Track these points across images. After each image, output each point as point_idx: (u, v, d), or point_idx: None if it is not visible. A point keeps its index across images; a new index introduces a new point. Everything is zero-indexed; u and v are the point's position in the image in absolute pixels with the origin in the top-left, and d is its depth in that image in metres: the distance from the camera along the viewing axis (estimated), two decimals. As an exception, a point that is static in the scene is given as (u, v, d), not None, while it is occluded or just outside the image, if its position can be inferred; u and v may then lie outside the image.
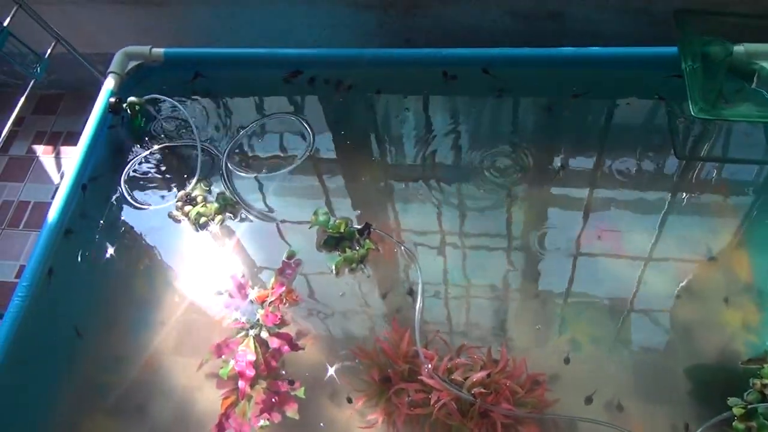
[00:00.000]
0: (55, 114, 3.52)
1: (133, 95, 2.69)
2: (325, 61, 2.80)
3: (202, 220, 2.50)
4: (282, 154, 2.68)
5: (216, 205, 2.52)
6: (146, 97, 2.71)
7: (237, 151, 2.71)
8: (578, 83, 2.68)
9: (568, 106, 2.69)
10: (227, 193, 2.56)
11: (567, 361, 2.10)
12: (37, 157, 3.42)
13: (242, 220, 2.52)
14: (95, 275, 2.45)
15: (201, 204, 2.52)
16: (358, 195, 2.55)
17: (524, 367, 2.06)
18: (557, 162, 2.55)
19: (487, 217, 2.43)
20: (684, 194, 2.45)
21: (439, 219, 2.45)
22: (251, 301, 2.31)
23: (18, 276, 3.04)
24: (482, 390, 1.98)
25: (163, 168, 2.69)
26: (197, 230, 2.51)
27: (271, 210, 2.54)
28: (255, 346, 2.19)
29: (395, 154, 2.66)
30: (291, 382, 2.13)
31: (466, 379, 2.01)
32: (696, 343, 2.11)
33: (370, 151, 2.67)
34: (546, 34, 2.80)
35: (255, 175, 2.62)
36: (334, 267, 2.34)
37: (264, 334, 2.23)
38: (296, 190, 2.59)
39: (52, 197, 2.49)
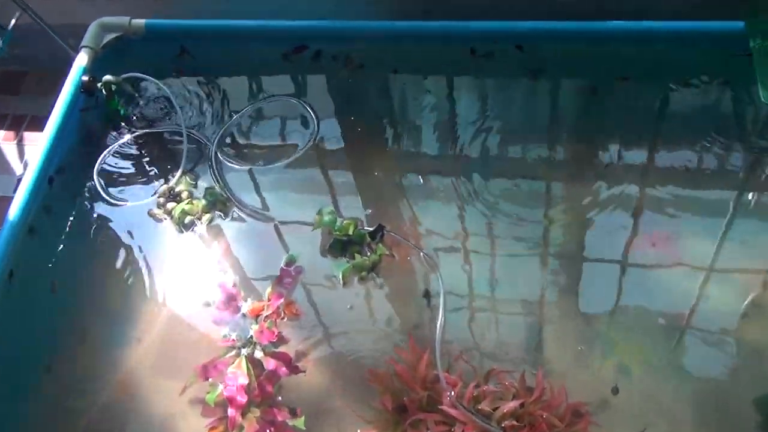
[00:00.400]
0: (17, 94, 3.50)
1: (109, 73, 2.67)
2: (333, 35, 2.78)
3: (188, 219, 2.48)
4: (281, 143, 2.67)
5: (203, 201, 2.51)
6: (124, 75, 2.69)
7: (229, 139, 2.70)
8: (627, 63, 2.67)
9: (616, 90, 2.67)
10: (217, 188, 2.55)
11: (614, 390, 2.07)
12: (-2, 144, 3.45)
13: (234, 219, 2.51)
14: (62, 281, 2.42)
15: (186, 200, 2.51)
16: (370, 191, 2.54)
17: (564, 396, 2.03)
18: (603, 155, 2.53)
19: (520, 219, 2.41)
20: (752, 193, 2.41)
21: (463, 220, 2.43)
22: (244, 315, 2.29)
23: (-26, 282, 3.05)
24: (514, 423, 1.95)
25: (143, 158, 2.69)
26: (181, 231, 2.50)
27: (267, 208, 2.53)
28: (247, 368, 2.16)
29: (413, 144, 2.64)
30: (292, 412, 2.10)
31: (495, 409, 1.98)
32: (766, 369, 2.08)
33: (384, 140, 2.66)
34: (581, 9, 2.76)
35: (249, 167, 2.61)
36: (341, 276, 2.32)
37: (258, 354, 2.21)
38: (297, 186, 2.58)
39: (14, 191, 2.47)
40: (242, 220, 2.50)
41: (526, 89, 2.71)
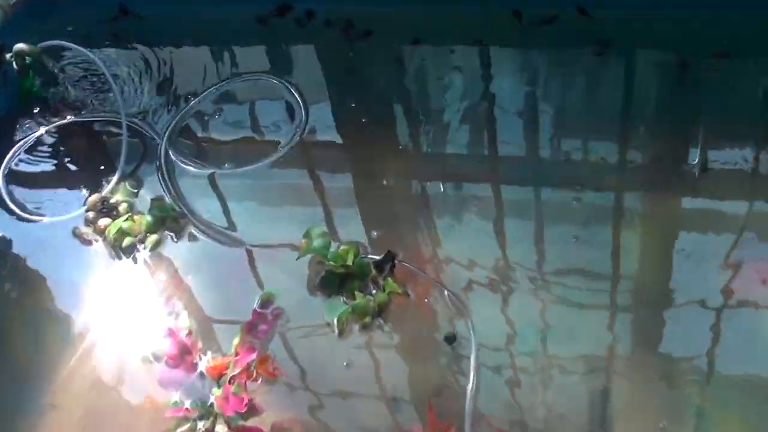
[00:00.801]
0: None
1: (22, 41, 2.68)
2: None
3: (127, 241, 2.45)
4: (256, 139, 2.67)
5: (148, 217, 2.48)
6: (43, 44, 2.70)
7: (185, 132, 2.69)
8: (729, 34, 2.67)
9: (712, 69, 2.66)
10: (167, 199, 2.53)
11: (711, 484, 2.03)
12: None
13: (190, 241, 2.49)
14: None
15: (125, 216, 2.48)
16: (377, 206, 2.51)
17: (641, 491, 1.99)
18: (694, 156, 2.49)
19: (581, 245, 2.37)
20: None
21: (504, 245, 2.40)
22: (201, 375, 2.25)
23: None
24: None
25: (67, 157, 2.69)
26: (118, 257, 2.47)
27: (235, 227, 2.50)
28: (206, 449, 2.14)
29: (436, 141, 2.62)
30: None
31: None
32: None
33: (395, 134, 2.64)
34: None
35: (212, 170, 2.60)
36: (336, 321, 2.27)
37: (221, 429, 2.15)
38: (278, 197, 2.57)
39: None
40: (201, 243, 2.47)
41: (589, 67, 2.70)
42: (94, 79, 2.79)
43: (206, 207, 2.53)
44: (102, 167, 2.61)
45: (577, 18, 2.68)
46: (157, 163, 2.59)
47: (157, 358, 2.30)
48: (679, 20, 2.68)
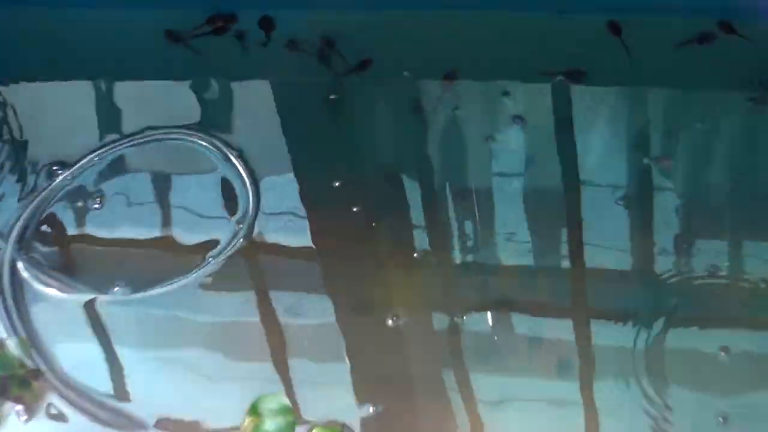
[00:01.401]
0: None
1: None
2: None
3: None
4: (169, 240, 2.52)
5: None
6: None
7: (45, 228, 2.54)
8: None
9: None
10: (12, 347, 2.35)
11: None
12: None
13: (53, 416, 2.27)
14: None
15: None
16: (373, 358, 2.32)
17: None
18: None
19: (732, 427, 2.13)
20: None
21: (593, 427, 2.17)
22: None
23: None
24: None
25: None
26: None
27: (129, 395, 2.28)
28: None
29: (477, 245, 2.45)
30: None
31: None
32: None
33: (407, 234, 2.47)
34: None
35: (92, 295, 2.41)
36: None
37: None
38: (204, 340, 2.38)
39: None
40: (70, 422, 2.26)
41: (740, 121, 2.56)
42: None
43: (80, 359, 2.34)
44: None
45: (719, 39, 2.55)
46: (-3, 283, 2.42)
47: None
48: None
